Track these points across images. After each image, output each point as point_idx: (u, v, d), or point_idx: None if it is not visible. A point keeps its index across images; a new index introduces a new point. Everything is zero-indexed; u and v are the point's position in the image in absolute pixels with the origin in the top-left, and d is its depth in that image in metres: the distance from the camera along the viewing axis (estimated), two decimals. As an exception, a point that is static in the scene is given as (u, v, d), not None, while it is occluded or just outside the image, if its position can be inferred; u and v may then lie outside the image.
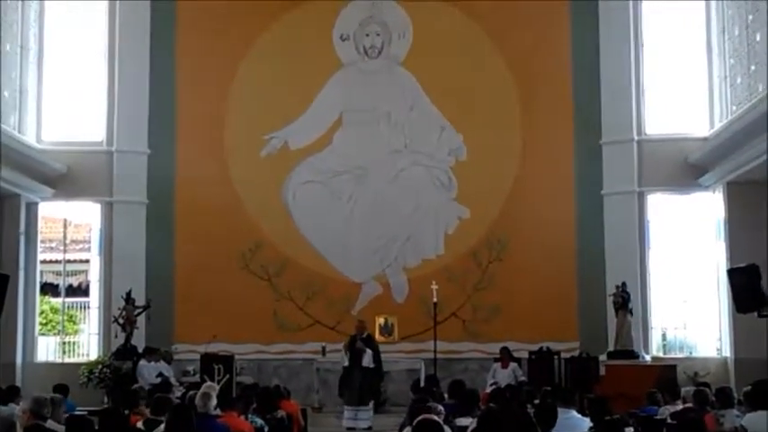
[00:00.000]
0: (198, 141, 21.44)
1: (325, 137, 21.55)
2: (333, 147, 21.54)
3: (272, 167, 21.41)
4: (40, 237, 21.02)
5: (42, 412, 8.26)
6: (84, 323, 22.40)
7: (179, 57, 21.61)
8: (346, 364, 16.66)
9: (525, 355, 19.66)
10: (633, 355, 19.05)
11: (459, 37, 21.41)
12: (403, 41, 21.72)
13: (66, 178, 20.87)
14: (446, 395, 13.11)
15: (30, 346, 20.39)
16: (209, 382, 13.76)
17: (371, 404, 16.68)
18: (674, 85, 21.24)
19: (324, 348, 19.47)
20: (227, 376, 17.31)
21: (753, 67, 18.44)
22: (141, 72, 21.32)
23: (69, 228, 22.29)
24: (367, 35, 21.82)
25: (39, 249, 20.91)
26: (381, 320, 20.52)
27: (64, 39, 21.66)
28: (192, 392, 10.71)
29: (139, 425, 9.15)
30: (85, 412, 11.07)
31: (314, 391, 19.25)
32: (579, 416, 9.50)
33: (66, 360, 21.17)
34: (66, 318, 22.13)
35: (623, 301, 19.17)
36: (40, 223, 21.08)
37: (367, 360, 16.60)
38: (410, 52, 21.69)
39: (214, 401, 9.63)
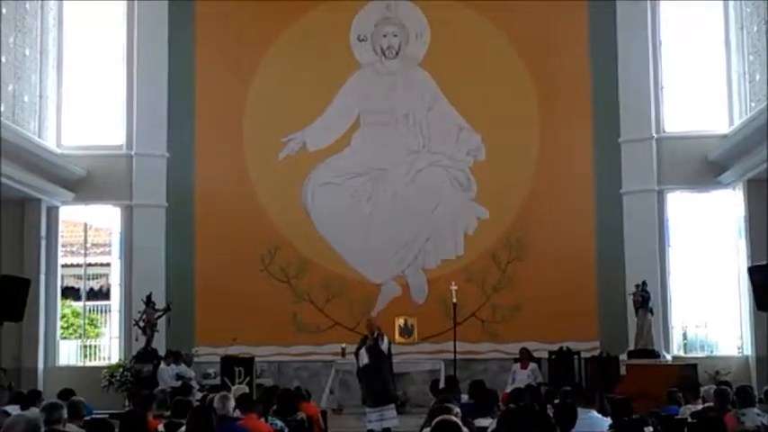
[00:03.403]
0: (216, 144, 21.50)
1: (343, 138, 21.57)
2: (351, 148, 21.55)
3: (291, 169, 21.44)
4: (60, 241, 21.15)
5: (52, 417, 8.27)
6: (105, 326, 22.51)
7: (197, 60, 21.66)
8: (365, 362, 16.29)
9: (545, 354, 19.61)
10: (654, 354, 18.95)
11: (476, 37, 21.38)
12: (420, 42, 21.71)
13: (86, 182, 20.97)
14: (466, 396, 13.10)
15: (51, 349, 20.52)
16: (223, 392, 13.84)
17: (393, 404, 16.46)
18: (693, 83, 21.14)
19: (344, 350, 19.41)
20: (248, 378, 17.37)
21: (772, 64, 18.36)
22: (160, 75, 21.39)
23: (90, 231, 22.38)
24: (384, 36, 21.82)
25: (59, 253, 21.05)
26: (401, 321, 20.54)
27: (83, 43, 21.76)
28: (211, 395, 10.78)
29: (160, 428, 9.17)
30: (107, 415, 11.10)
31: (333, 393, 19.25)
32: (599, 416, 9.46)
33: (88, 363, 21.30)
34: (87, 321, 22.24)
35: (643, 300, 19.08)
36: (61, 227, 21.20)
37: (385, 346, 16.28)
38: (427, 53, 21.68)
39: (232, 403, 9.71)
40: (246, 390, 12.46)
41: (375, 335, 16.45)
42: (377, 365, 16.23)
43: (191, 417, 8.37)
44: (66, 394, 12.29)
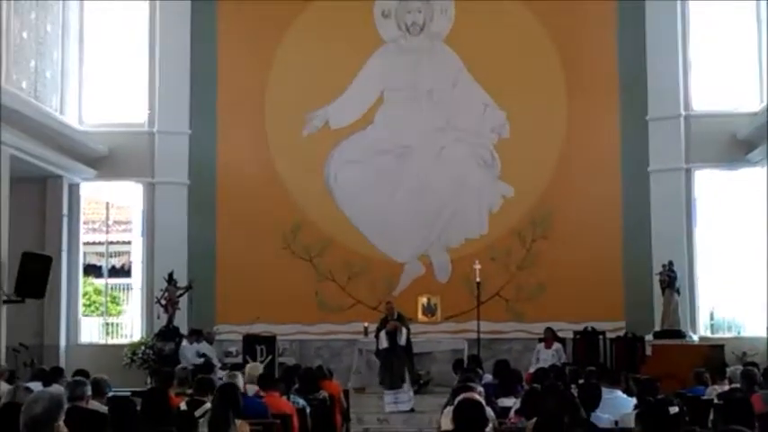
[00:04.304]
0: (239, 121, 21.43)
1: (366, 115, 21.44)
2: (375, 125, 21.42)
3: (314, 147, 21.35)
4: (82, 218, 21.23)
5: (75, 394, 8.27)
6: (127, 304, 22.55)
7: (220, 37, 21.58)
8: (385, 345, 16.46)
9: (570, 335, 19.51)
10: (680, 334, 18.88)
11: (501, 12, 21.18)
12: (445, 18, 21.51)
13: (107, 159, 20.96)
14: (490, 375, 13.07)
15: (73, 327, 20.59)
16: (252, 363, 13.81)
17: (406, 386, 16.49)
18: (723, 60, 20.89)
19: (366, 329, 19.34)
20: (270, 357, 17.37)
21: (803, 41, 18.08)
22: (182, 53, 21.33)
23: (111, 209, 22.39)
24: (408, 12, 21.64)
25: (81, 231, 21.12)
26: (424, 300, 20.48)
27: (105, 20, 21.70)
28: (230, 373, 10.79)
29: (182, 405, 9.12)
30: (129, 393, 11.08)
31: (356, 372, 19.19)
32: (624, 396, 9.39)
33: (110, 341, 21.33)
34: (108, 299, 22.28)
35: (670, 280, 18.98)
36: (83, 204, 21.24)
37: (401, 338, 16.46)
38: (452, 29, 21.50)
39: (241, 380, 10.00)
40: (259, 367, 12.40)
41: (396, 317, 16.56)
42: (395, 349, 16.35)
43: (217, 394, 8.38)
44: (81, 375, 12.30)
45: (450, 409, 7.69)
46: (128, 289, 22.50)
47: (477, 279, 19.23)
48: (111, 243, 22.33)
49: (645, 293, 19.98)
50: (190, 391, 10.12)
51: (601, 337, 19.47)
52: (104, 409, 8.76)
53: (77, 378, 9.29)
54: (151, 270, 20.77)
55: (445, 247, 21.11)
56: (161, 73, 21.21)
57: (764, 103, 19.59)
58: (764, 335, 19.66)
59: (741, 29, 20.67)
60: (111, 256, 22.34)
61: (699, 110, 20.63)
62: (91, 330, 21.58)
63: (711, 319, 20.64)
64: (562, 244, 20.58)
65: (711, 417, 9.66)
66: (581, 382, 10.63)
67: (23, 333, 18.53)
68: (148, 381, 17.61)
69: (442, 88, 21.31)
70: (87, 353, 19.59)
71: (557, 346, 18.40)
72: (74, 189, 20.61)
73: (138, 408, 8.99)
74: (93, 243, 22.60)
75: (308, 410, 11.08)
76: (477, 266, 19.27)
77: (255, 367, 12.26)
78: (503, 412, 9.45)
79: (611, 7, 21.08)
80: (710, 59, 20.89)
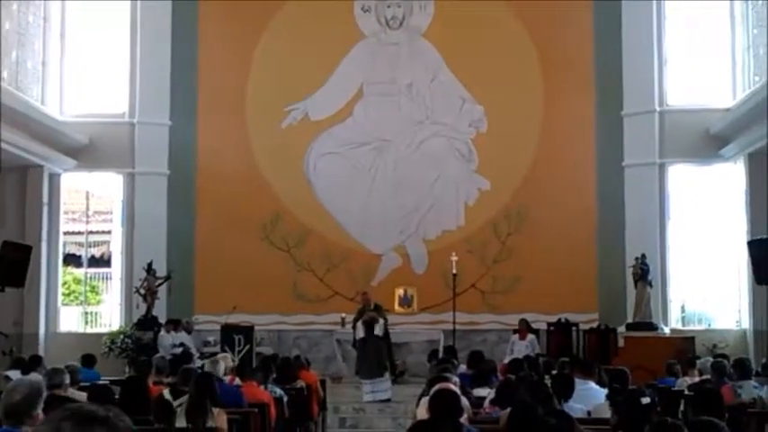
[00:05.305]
0: (219, 113, 21.46)
1: (345, 108, 21.52)
2: (354, 118, 21.52)
3: (293, 139, 21.42)
4: (62, 208, 21.20)
5: (54, 382, 8.38)
6: (106, 294, 22.58)
7: (201, 28, 21.59)
8: (362, 335, 16.54)
9: (544, 326, 19.65)
10: (652, 326, 19.04)
11: (480, 8, 21.26)
12: (424, 13, 21.61)
13: (88, 150, 20.96)
14: (464, 366, 13.19)
15: (52, 316, 20.57)
16: (222, 354, 13.95)
17: (387, 375, 16.64)
18: (697, 56, 21.08)
19: (343, 319, 19.47)
20: (248, 347, 17.46)
21: (776, 38, 18.29)
22: (163, 44, 21.32)
23: (92, 199, 22.40)
24: (388, 6, 21.73)
25: (61, 220, 21.10)
26: (401, 292, 20.58)
27: (86, 10, 21.66)
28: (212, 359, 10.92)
29: (166, 394, 9.26)
30: (107, 382, 11.19)
31: (334, 362, 19.33)
32: (597, 387, 9.54)
33: (89, 330, 21.38)
34: (88, 288, 22.30)
35: (642, 273, 19.14)
36: (63, 194, 21.22)
37: (378, 329, 16.55)
38: (431, 23, 21.60)
39: (222, 367, 10.07)
40: (228, 357, 12.57)
41: (373, 307, 16.62)
42: (372, 339, 16.42)
43: (194, 383, 8.48)
44: (88, 360, 12.49)
45: (426, 399, 7.83)
46: (107, 278, 22.54)
47: (454, 271, 19.39)
48: (91, 233, 22.36)
49: (618, 286, 20.18)
50: (168, 380, 10.25)
51: (574, 328, 19.68)
52: (83, 396, 8.89)
53: (56, 366, 9.40)
54: (130, 260, 20.81)
55: (422, 238, 21.24)
56: (142, 64, 21.19)
57: (737, 100, 19.81)
58: (734, 327, 19.96)
59: (715, 26, 20.86)
60: (90, 246, 22.37)
61: (673, 105, 20.82)
62: (70, 319, 21.65)
63: (683, 311, 20.86)
64: (537, 237, 20.73)
65: (682, 407, 9.86)
66: (554, 372, 10.79)
67: (3, 322, 18.55)
68: (127, 370, 17.72)
69: (420, 82, 21.43)
70: (66, 342, 19.63)
71: (531, 337, 18.52)
72: (54, 179, 20.60)
73: (117, 396, 9.15)
74: (73, 233, 22.61)
75: (285, 400, 11.18)
76: (454, 258, 19.44)
77: (225, 358, 12.49)
78: (477, 402, 9.54)
79: (588, 4, 21.22)
80: (685, 56, 21.09)
